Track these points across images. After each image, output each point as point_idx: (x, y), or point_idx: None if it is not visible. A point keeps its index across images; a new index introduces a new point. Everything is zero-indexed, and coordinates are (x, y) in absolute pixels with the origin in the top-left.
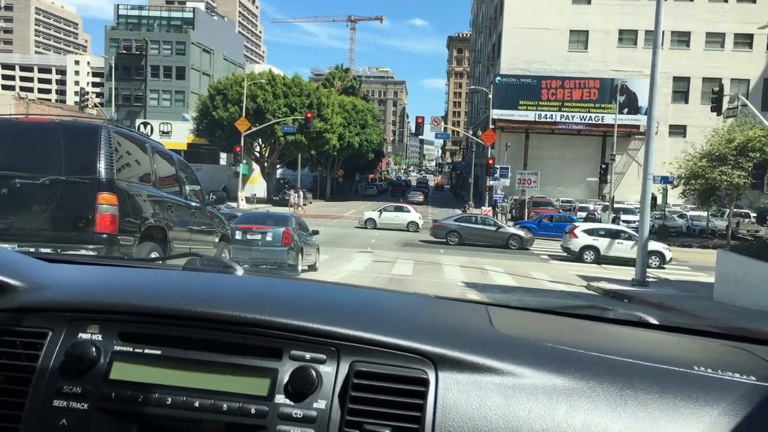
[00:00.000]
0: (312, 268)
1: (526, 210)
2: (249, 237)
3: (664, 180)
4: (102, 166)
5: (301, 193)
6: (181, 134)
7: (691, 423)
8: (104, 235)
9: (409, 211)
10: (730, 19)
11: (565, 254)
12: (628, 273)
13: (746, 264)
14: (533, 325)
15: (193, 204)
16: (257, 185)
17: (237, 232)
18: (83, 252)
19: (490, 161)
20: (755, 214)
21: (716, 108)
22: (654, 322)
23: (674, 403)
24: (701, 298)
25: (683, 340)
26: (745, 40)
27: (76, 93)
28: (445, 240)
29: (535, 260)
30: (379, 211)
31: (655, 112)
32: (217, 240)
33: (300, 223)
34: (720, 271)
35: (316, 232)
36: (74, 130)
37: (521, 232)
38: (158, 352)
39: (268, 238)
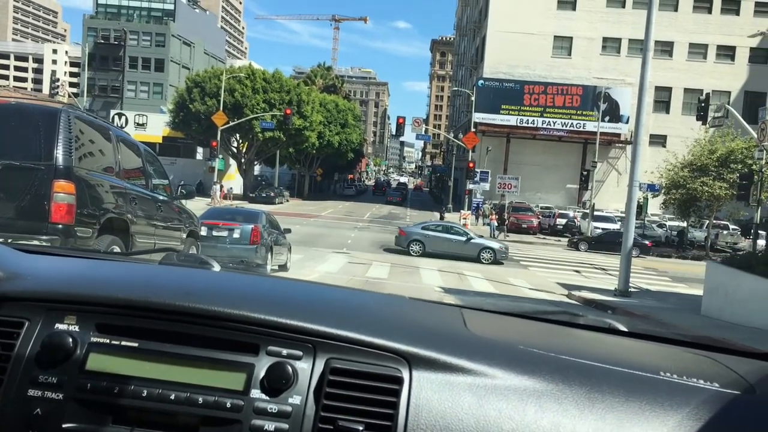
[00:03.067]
0: (283, 268)
1: (506, 215)
2: (215, 233)
3: (651, 188)
4: (60, 153)
5: (218, 187)
6: (156, 127)
7: (656, 426)
8: (59, 226)
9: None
10: (713, 30)
11: None
12: (608, 282)
13: (737, 277)
14: (506, 328)
15: (160, 197)
16: (234, 181)
17: (203, 228)
18: (36, 243)
19: (471, 164)
20: (734, 226)
21: (702, 117)
22: (623, 328)
23: (640, 407)
24: (688, 311)
25: (651, 347)
26: (727, 53)
27: (52, 81)
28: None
29: (515, 266)
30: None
31: (643, 119)
32: (184, 236)
33: (271, 221)
34: (709, 283)
35: (288, 231)
36: (32, 113)
37: (494, 245)
38: (135, 344)
39: (236, 235)
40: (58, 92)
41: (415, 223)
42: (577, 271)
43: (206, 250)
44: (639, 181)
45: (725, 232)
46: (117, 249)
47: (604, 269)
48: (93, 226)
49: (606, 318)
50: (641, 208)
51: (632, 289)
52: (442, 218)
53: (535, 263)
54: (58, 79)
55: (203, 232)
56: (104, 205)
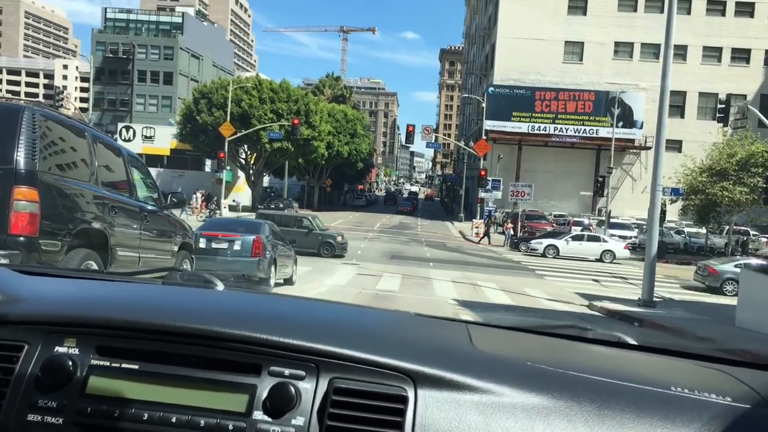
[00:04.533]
0: (288, 281)
1: (519, 223)
2: (214, 245)
3: (675, 192)
4: (21, 155)
5: (199, 196)
6: (164, 139)
7: None
8: (21, 238)
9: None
10: (727, 33)
11: None
12: (630, 291)
13: None
14: (513, 343)
15: (147, 206)
16: (242, 193)
17: (201, 239)
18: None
19: (483, 172)
20: (754, 232)
21: (722, 119)
22: (633, 342)
23: (651, 423)
24: (722, 322)
25: (661, 361)
26: (742, 55)
27: (56, 94)
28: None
29: (530, 276)
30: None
31: (664, 120)
32: (176, 249)
33: (275, 232)
34: (744, 293)
35: (293, 241)
36: None
37: None
38: (135, 366)
39: (236, 247)
40: (62, 105)
41: (724, 261)
42: (595, 281)
43: (205, 264)
44: (662, 185)
45: (746, 237)
46: (93, 265)
47: (624, 278)
48: (62, 238)
49: (615, 331)
50: (664, 214)
51: (656, 299)
52: (488, 229)
53: (551, 272)
54: (62, 92)
55: (202, 244)
56: (77, 215)
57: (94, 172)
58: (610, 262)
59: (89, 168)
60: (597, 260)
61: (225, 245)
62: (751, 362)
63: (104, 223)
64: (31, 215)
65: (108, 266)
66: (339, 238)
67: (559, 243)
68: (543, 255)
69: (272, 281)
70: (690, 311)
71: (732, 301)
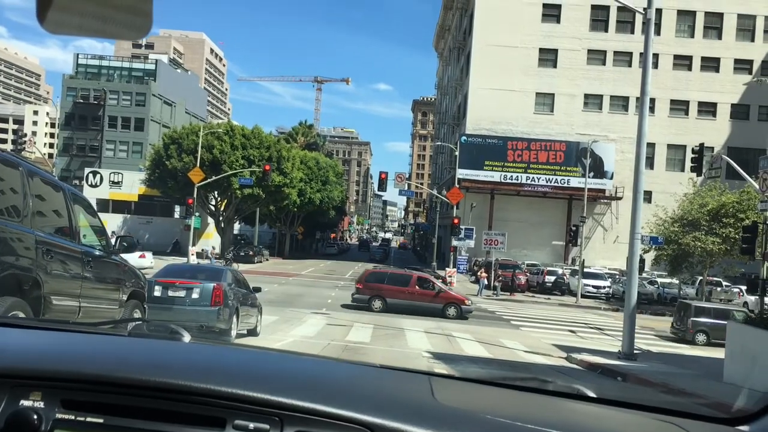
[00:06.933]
0: (252, 332)
1: (493, 272)
2: (171, 293)
3: (654, 240)
4: None
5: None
6: (132, 185)
7: None
8: None
9: None
10: (694, 87)
11: None
12: (607, 342)
13: (765, 339)
14: (474, 396)
15: (92, 251)
16: (212, 240)
17: (156, 287)
18: None
19: (456, 220)
20: (727, 283)
21: (696, 169)
22: (591, 395)
23: None
24: (708, 377)
25: (617, 414)
26: (708, 109)
27: (19, 137)
28: None
29: (505, 326)
30: None
31: (642, 167)
32: (125, 298)
33: (238, 279)
34: (731, 346)
35: (257, 290)
36: None
37: None
38: (100, 420)
39: (195, 295)
40: (24, 148)
41: None
42: (571, 331)
43: (161, 313)
44: (641, 234)
45: (718, 288)
46: (21, 314)
47: (600, 329)
48: None
49: (575, 383)
50: (643, 263)
51: (635, 351)
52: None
53: (527, 323)
54: (25, 135)
55: (157, 292)
56: (2, 259)
57: (27, 209)
58: None
59: (20, 206)
60: None
61: (182, 293)
62: (705, 416)
63: (36, 268)
64: None
65: (41, 316)
66: None
67: None
68: None
69: (234, 332)
70: (672, 365)
71: (710, 353)
